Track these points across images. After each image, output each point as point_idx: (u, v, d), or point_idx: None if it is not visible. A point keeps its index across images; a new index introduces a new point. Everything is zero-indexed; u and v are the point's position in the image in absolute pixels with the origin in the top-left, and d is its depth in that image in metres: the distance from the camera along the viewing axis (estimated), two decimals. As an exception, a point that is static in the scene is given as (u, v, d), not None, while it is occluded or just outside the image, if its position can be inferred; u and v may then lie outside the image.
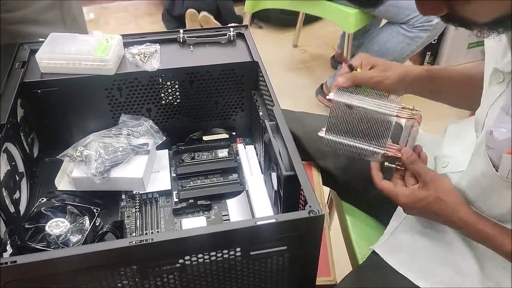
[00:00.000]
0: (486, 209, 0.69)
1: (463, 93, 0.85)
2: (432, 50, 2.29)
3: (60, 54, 0.84)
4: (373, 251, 0.80)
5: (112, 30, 2.67)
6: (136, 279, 0.59)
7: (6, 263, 0.53)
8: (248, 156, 0.93)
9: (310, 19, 2.63)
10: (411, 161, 0.73)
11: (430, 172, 0.73)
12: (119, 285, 0.59)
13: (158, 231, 0.81)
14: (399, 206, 0.81)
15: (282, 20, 2.65)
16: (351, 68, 0.83)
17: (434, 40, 2.19)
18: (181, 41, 0.93)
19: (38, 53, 0.84)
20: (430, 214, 0.72)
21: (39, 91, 0.84)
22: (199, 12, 2.50)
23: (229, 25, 0.96)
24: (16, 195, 0.78)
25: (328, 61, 2.42)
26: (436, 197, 0.70)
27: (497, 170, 0.63)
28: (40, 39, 0.88)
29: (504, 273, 0.68)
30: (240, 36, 0.95)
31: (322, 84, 2.12)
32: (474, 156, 0.69)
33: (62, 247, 0.71)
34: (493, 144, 0.63)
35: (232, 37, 0.94)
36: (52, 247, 0.71)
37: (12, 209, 0.75)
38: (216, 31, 0.95)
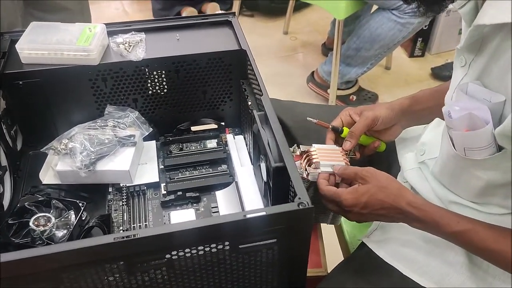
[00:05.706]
0: (460, 192, 0.70)
1: None
2: (423, 36, 2.28)
3: (41, 44, 0.81)
4: (363, 242, 0.80)
5: (98, 20, 2.62)
6: (123, 275, 0.58)
7: (-12, 261, 0.51)
8: (238, 146, 0.91)
9: (301, 6, 2.60)
10: (343, 170, 0.74)
11: (365, 168, 0.72)
12: (105, 281, 0.58)
13: (146, 224, 0.79)
14: None
15: (272, 8, 2.62)
16: (335, 130, 0.82)
17: (425, 26, 2.17)
18: (167, 29, 0.90)
19: (19, 43, 0.81)
20: (376, 206, 0.69)
21: (20, 82, 0.81)
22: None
23: (216, 12, 0.94)
24: (-1, 190, 0.76)
25: (319, 48, 2.40)
26: (379, 186, 0.69)
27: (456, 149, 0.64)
28: (20, 29, 0.85)
29: (491, 265, 0.68)
30: (228, 24, 0.93)
31: (313, 72, 2.10)
32: (442, 140, 0.70)
33: (48, 243, 0.70)
34: (450, 124, 0.63)
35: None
36: (37, 243, 0.70)
37: (-5, 204, 0.73)
38: (203, 19, 0.93)
